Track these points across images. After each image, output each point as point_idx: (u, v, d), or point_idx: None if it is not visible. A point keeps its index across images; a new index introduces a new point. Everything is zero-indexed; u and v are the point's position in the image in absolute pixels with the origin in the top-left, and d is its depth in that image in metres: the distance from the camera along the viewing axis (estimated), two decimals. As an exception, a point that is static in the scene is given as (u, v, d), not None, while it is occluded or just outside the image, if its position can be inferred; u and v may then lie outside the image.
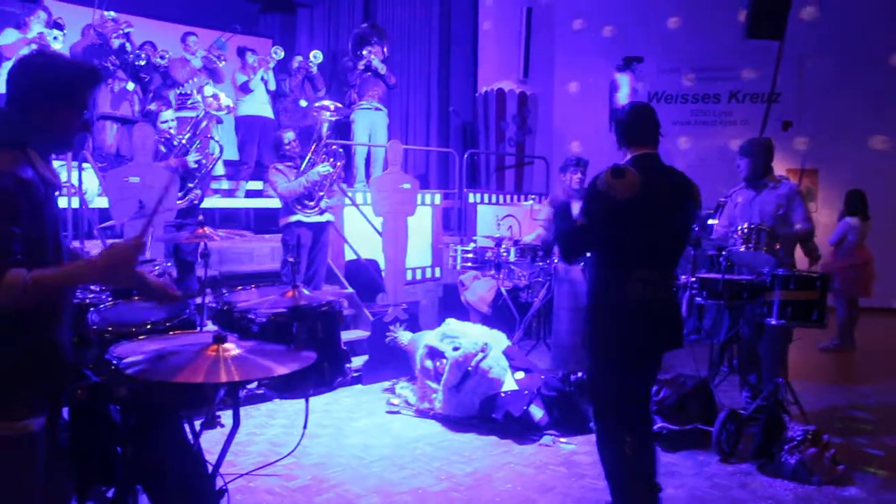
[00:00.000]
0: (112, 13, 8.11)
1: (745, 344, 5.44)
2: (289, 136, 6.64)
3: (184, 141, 6.49)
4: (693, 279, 5.12)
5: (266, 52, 9.51)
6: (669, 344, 3.45)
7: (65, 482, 2.31)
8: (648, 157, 3.42)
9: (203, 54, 8.80)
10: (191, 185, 6.41)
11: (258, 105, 9.28)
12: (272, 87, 9.53)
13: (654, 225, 3.33)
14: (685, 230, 3.53)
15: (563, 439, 4.97)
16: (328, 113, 6.51)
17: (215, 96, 6.84)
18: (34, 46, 7.29)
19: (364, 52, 9.56)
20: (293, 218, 6.51)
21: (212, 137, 7.30)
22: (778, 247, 4.87)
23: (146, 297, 2.51)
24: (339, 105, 6.82)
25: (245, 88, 9.12)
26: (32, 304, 2.04)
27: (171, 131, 6.56)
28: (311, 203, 6.52)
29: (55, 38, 7.52)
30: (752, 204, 5.31)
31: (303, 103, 9.55)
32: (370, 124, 9.57)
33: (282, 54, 9.50)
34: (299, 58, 9.76)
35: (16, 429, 2.06)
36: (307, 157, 6.55)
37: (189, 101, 8.42)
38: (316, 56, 9.65)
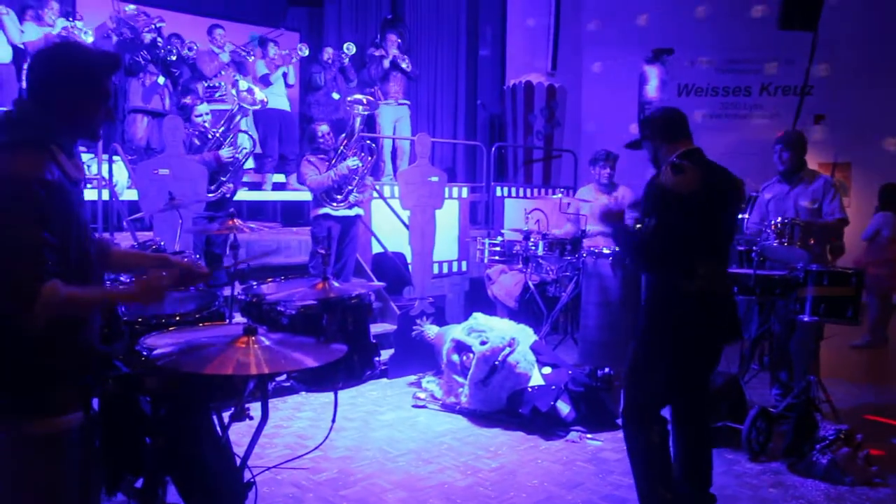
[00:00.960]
0: (132, 7, 8.12)
1: (777, 341, 5.36)
2: (323, 128, 6.65)
3: (217, 135, 6.52)
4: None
5: (291, 46, 9.50)
6: (730, 337, 3.48)
7: (96, 473, 2.32)
8: (696, 152, 3.44)
9: (231, 48, 8.83)
10: (223, 178, 6.43)
11: (276, 98, 9.26)
12: (291, 80, 9.55)
13: (714, 219, 3.38)
14: (735, 223, 3.56)
15: (589, 435, 4.94)
16: (361, 107, 6.49)
17: (250, 90, 6.85)
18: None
19: (387, 47, 9.55)
20: (322, 210, 6.51)
21: (244, 131, 7.33)
22: (812, 242, 4.79)
23: (177, 287, 2.51)
24: (371, 99, 6.81)
25: (265, 81, 9.12)
26: (66, 318, 2.07)
27: (206, 125, 6.58)
28: (340, 197, 6.52)
29: (85, 31, 7.57)
30: (787, 198, 5.23)
31: (335, 96, 9.55)
32: (395, 118, 9.59)
33: (306, 52, 9.48)
34: (330, 50, 9.73)
35: (55, 425, 2.08)
36: (339, 151, 6.55)
37: (217, 94, 8.45)
38: (349, 48, 9.64)
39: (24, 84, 7.56)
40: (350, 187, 6.53)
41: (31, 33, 7.67)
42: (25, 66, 7.60)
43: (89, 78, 2.18)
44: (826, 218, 5.13)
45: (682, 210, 3.27)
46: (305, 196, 7.03)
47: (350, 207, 6.60)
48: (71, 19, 7.70)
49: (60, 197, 2.06)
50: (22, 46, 7.70)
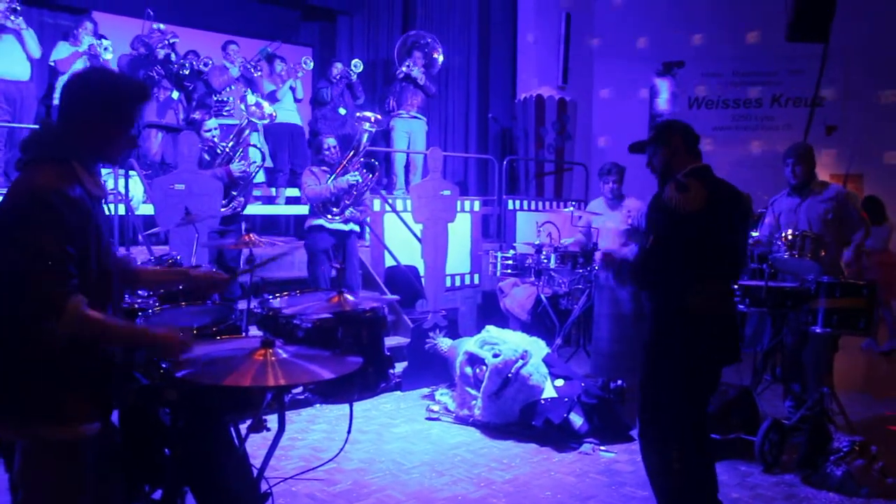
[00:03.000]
0: (161, 25, 8.24)
1: (789, 352, 5.36)
2: (329, 141, 6.72)
3: (227, 149, 6.58)
4: (736, 286, 5.05)
5: (299, 60, 9.56)
6: (731, 357, 3.44)
7: (116, 484, 2.36)
8: (704, 169, 3.42)
9: (241, 62, 8.92)
10: (234, 192, 6.49)
11: (286, 112, 9.26)
12: (300, 95, 9.59)
13: (721, 237, 3.34)
14: (745, 241, 3.54)
15: (602, 447, 4.95)
16: (368, 124, 6.55)
17: (258, 105, 6.93)
18: (85, 59, 7.50)
19: (406, 62, 9.64)
20: (316, 222, 6.58)
21: (254, 145, 7.39)
22: (823, 253, 4.80)
23: (199, 294, 2.59)
24: (380, 117, 6.87)
25: (272, 98, 9.16)
26: (81, 338, 2.13)
27: (215, 139, 6.65)
28: (336, 210, 6.56)
29: (105, 48, 7.68)
30: (798, 210, 5.24)
31: (342, 111, 9.61)
32: (409, 132, 9.65)
33: (311, 65, 9.52)
34: (339, 65, 9.76)
35: (71, 433, 2.13)
36: (342, 164, 6.60)
37: (226, 109, 8.52)
38: (357, 65, 9.71)
39: (55, 102, 7.70)
40: (347, 202, 6.57)
41: (62, 51, 7.79)
42: (58, 83, 7.72)
43: (115, 105, 2.24)
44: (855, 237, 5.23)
45: (683, 229, 3.25)
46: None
47: (345, 222, 6.64)
48: (99, 39, 7.83)
49: (81, 213, 2.13)
50: (52, 64, 7.83)
